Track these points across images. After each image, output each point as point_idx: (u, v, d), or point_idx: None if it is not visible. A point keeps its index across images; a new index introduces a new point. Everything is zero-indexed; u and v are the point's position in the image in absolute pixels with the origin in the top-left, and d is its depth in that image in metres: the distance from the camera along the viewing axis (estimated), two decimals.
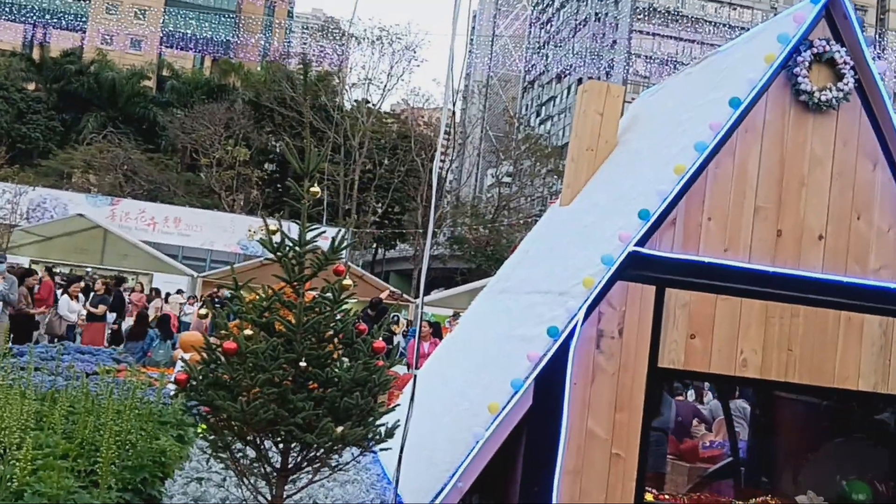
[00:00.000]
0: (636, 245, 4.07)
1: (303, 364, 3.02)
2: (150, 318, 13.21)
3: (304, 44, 51.94)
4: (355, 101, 46.94)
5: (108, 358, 8.68)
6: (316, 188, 3.31)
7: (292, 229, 3.36)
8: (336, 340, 3.26)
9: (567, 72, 73.93)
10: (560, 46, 76.90)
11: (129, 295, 16.06)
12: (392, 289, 19.73)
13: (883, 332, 4.28)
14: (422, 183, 41.78)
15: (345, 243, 3.35)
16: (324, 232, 3.33)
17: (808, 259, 4.26)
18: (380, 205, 43.55)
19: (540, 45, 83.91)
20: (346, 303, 3.19)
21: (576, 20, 77.90)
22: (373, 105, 45.21)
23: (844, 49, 4.28)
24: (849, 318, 4.25)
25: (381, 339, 3.39)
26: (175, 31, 62.12)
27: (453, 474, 3.72)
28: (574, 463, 3.94)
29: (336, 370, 3.12)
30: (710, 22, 71.47)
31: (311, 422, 2.97)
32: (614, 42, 70.85)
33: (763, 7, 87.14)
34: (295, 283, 3.24)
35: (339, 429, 2.89)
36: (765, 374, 4.17)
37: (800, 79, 4.22)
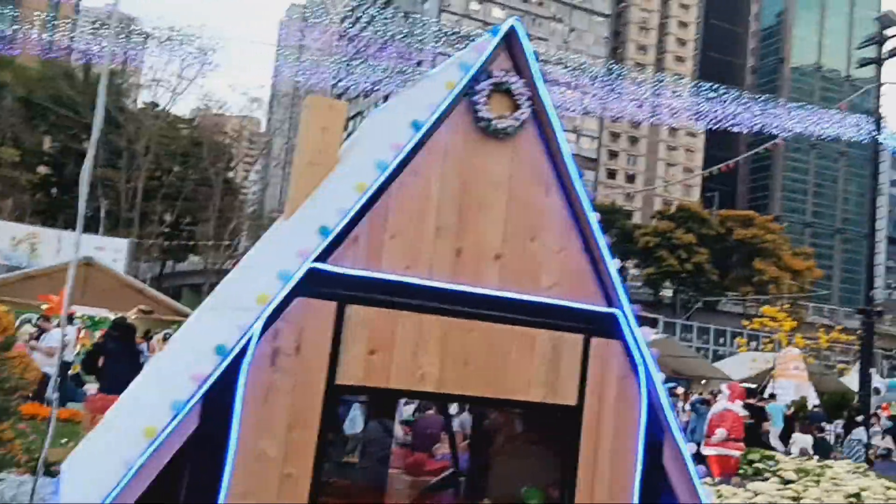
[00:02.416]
0: (316, 261, 4.06)
1: None
2: None
3: (89, 41, 48.32)
4: (144, 103, 44.37)
5: None
6: None
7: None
8: None
9: (374, 88, 74.68)
10: (367, 63, 77.46)
11: None
12: (162, 300, 18.60)
13: (553, 346, 4.57)
14: (215, 193, 40.17)
15: None
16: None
17: (486, 277, 4.47)
18: (168, 214, 41.30)
19: (348, 59, 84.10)
20: None
21: (383, 38, 79.00)
22: (162, 108, 42.88)
23: (522, 80, 4.57)
24: (522, 332, 4.51)
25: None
26: None
27: None
28: (243, 486, 3.82)
29: None
30: None
31: None
32: (419, 62, 72.67)
33: (557, 41, 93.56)
34: None
35: None
36: (441, 388, 4.31)
37: (479, 106, 4.44)
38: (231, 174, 47.99)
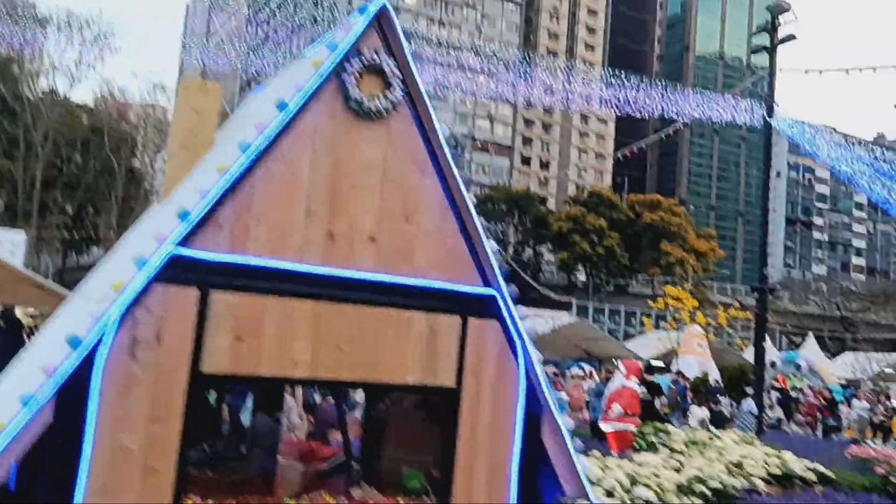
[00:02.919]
0: (178, 246, 3.91)
1: None
2: None
3: None
4: (43, 92, 42.09)
5: None
6: None
7: None
8: None
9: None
10: (277, 48, 75.77)
11: None
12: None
13: (429, 327, 4.57)
14: (118, 182, 38.62)
15: None
16: None
17: (360, 260, 4.41)
18: (69, 205, 39.47)
19: (257, 44, 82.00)
20: None
21: (293, 23, 77.47)
22: (60, 95, 40.83)
23: (393, 60, 4.51)
24: (398, 315, 4.48)
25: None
26: None
27: None
28: (103, 482, 3.66)
29: None
30: (420, 37, 75.02)
31: None
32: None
33: (469, 27, 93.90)
34: None
35: None
36: (315, 374, 4.24)
37: (349, 86, 4.37)
38: (135, 162, 46.19)
